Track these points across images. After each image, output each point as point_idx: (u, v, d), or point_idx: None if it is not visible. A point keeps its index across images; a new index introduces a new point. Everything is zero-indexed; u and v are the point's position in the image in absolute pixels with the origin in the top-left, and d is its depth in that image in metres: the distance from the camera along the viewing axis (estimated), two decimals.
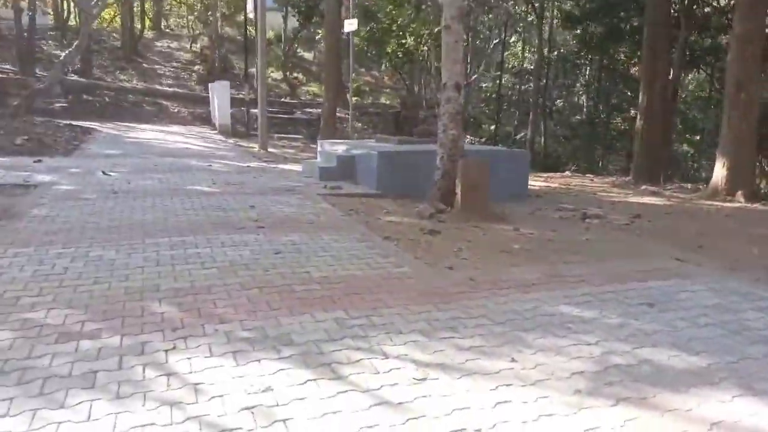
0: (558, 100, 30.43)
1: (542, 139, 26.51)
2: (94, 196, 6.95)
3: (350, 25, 14.83)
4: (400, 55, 18.93)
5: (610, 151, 26.43)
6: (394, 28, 19.10)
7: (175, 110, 21.85)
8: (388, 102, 30.55)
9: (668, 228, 7.27)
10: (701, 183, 12.41)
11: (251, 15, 30.97)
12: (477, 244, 5.66)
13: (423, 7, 18.62)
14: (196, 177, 8.81)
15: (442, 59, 7.33)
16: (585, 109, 30.27)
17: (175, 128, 18.47)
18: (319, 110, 26.10)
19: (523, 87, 28.32)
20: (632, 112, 25.20)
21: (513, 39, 30.15)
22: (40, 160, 9.71)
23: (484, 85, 30.64)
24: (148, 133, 16.18)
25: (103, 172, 8.72)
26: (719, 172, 9.87)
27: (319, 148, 10.58)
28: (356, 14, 16.37)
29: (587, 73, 27.60)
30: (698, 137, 26.90)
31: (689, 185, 11.67)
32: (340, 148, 9.72)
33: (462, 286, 4.10)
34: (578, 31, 20.63)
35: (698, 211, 8.62)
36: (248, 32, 34.70)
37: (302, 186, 8.38)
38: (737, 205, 9.22)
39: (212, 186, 8.06)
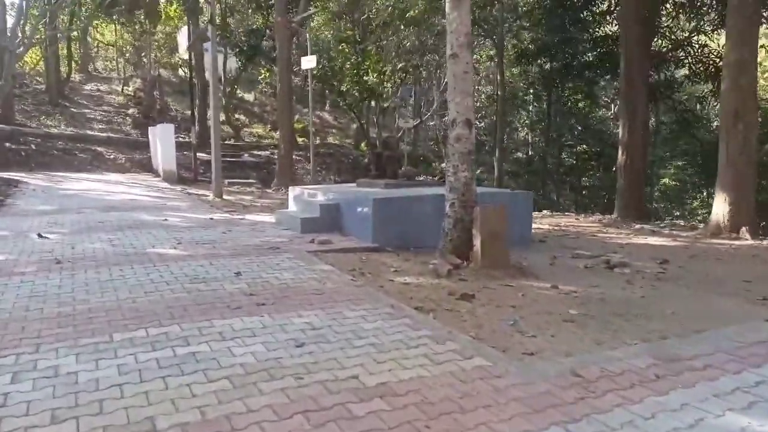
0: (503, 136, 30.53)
1: (495, 175, 26.25)
2: (31, 269, 5.50)
3: (308, 62, 13.90)
4: (356, 94, 18.08)
5: (563, 186, 26.47)
6: (348, 66, 18.29)
7: (111, 157, 20.07)
8: (337, 142, 29.71)
9: (706, 274, 6.53)
10: (690, 219, 12.02)
11: (185, 56, 29.79)
12: (526, 311, 4.66)
13: (383, 43, 17.97)
14: (155, 236, 7.43)
15: (449, 92, 6.42)
16: (530, 145, 30.51)
17: (113, 176, 16.77)
18: (267, 153, 25.07)
19: (481, 124, 28.21)
20: (582, 147, 25.50)
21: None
22: None
23: (431, 123, 30.36)
24: (84, 183, 14.46)
25: (39, 235, 7.21)
26: (720, 207, 9.39)
27: (290, 196, 9.40)
28: (315, 50, 15.47)
29: (530, 109, 27.75)
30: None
31: (681, 222, 11.18)
32: (318, 195, 8.59)
33: (572, 387, 3.04)
34: (531, 67, 20.53)
35: (718, 252, 7.99)
36: (184, 73, 33.39)
37: (285, 242, 7.17)
38: (748, 242, 8.70)
39: (178, 247, 6.72)
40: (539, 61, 19.48)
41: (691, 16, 14.47)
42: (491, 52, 21.64)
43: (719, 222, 9.35)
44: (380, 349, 3.55)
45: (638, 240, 9.02)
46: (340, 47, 18.24)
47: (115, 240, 7.08)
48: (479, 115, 30.36)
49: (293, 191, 9.36)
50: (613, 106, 27.81)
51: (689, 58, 15.47)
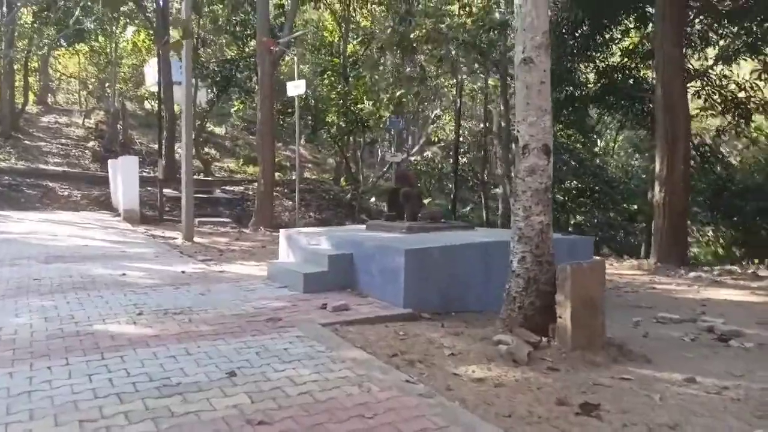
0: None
1: (484, 213, 24.76)
2: None
3: (296, 88, 12.24)
4: (343, 125, 16.46)
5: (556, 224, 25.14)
6: (334, 96, 16.71)
7: (65, 193, 17.89)
8: (315, 177, 27.98)
9: None
10: (738, 263, 10.57)
11: (153, 89, 28.02)
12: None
13: (380, 68, 16.49)
14: (108, 302, 5.49)
15: (518, 109, 4.77)
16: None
17: (65, 216, 14.60)
18: (241, 188, 23.12)
19: (464, 159, 26.83)
20: (574, 183, 24.21)
21: (437, 112, 28.83)
22: None
23: (412, 158, 28.96)
24: (27, 224, 12.32)
25: None
26: None
27: (282, 242, 7.57)
28: (304, 75, 13.85)
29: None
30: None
31: (729, 266, 9.69)
32: (322, 242, 6.79)
33: None
34: None
35: None
36: (151, 106, 31.48)
37: (288, 308, 5.31)
38: None
39: (139, 321, 4.80)
40: None
41: (721, 36, 13.37)
42: (490, 82, 20.32)
43: None
44: None
45: (711, 294, 7.42)
46: (326, 75, 16.65)
47: (50, 310, 5.12)
48: (461, 149, 29.15)
49: (286, 236, 7.53)
50: (604, 139, 26.87)
51: (705, 88, 14.37)
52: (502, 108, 17.43)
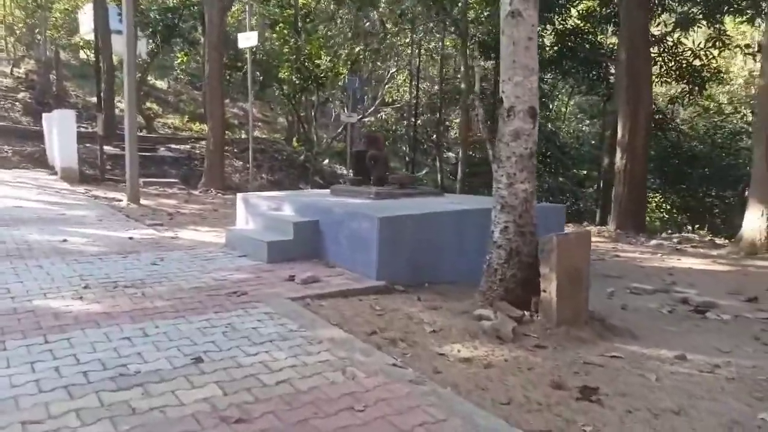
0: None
1: (439, 177, 24.62)
2: None
3: (248, 39, 11.49)
4: (297, 82, 15.72)
5: None
6: (287, 50, 15.91)
7: None
8: (265, 137, 27.02)
9: None
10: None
11: (89, 37, 26.18)
12: (696, 417, 2.80)
13: (338, 22, 15.71)
14: (48, 272, 4.94)
15: (503, 68, 4.43)
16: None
17: None
18: (188, 147, 22.00)
19: (419, 122, 26.39)
20: None
21: (392, 71, 28.20)
22: None
23: (366, 119, 28.38)
24: None
25: None
26: (755, 223, 8.04)
27: (240, 206, 7.09)
28: (256, 26, 13.03)
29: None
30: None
31: (690, 236, 9.83)
32: (285, 207, 6.37)
33: None
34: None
35: None
36: (87, 55, 29.43)
37: (252, 280, 4.91)
38: None
39: (85, 296, 4.31)
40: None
41: (679, 3, 13.29)
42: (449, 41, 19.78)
43: (754, 239, 8.01)
44: None
45: (675, 263, 7.46)
46: (277, 28, 15.79)
47: None
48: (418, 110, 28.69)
49: (243, 200, 7.05)
50: (555, 105, 27.00)
51: (661, 54, 14.41)
52: (462, 68, 17.00)
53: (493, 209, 4.54)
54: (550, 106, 26.30)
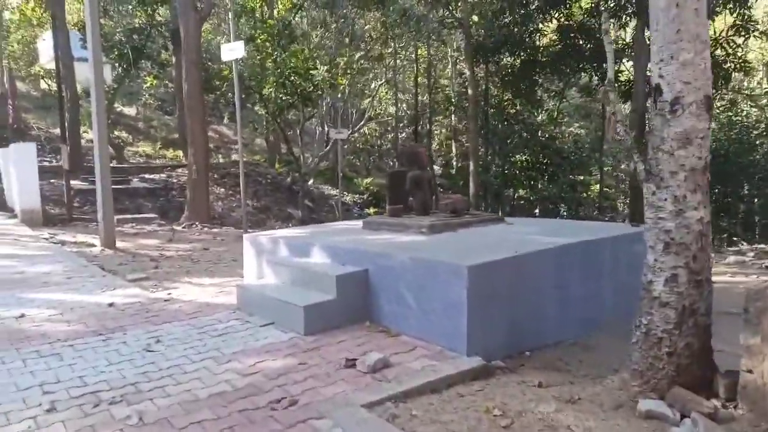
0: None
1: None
2: None
3: (232, 51, 9.99)
4: (284, 98, 14.23)
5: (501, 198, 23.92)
6: (270, 65, 14.44)
7: None
8: (245, 159, 25.37)
9: None
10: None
11: (49, 66, 24.40)
12: None
13: (332, 27, 14.26)
14: None
15: (658, 45, 3.03)
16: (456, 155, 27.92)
17: None
18: (163, 176, 20.29)
19: (402, 134, 25.13)
20: (524, 156, 22.88)
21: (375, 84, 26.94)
22: None
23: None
24: None
25: None
26: None
27: (250, 252, 5.58)
28: (241, 35, 11.56)
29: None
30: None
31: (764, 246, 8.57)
32: (311, 253, 4.88)
33: None
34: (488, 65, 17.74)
35: None
36: (48, 86, 27.57)
37: (294, 369, 3.39)
38: None
39: (49, 427, 2.76)
40: (496, 57, 16.70)
41: None
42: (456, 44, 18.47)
43: None
44: None
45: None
46: (259, 40, 14.32)
47: None
48: (401, 123, 27.41)
49: (253, 242, 5.54)
50: (545, 109, 25.88)
51: None
52: (468, 72, 15.64)
53: (649, 250, 3.14)
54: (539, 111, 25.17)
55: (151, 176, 19.60)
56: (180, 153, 22.01)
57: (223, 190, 18.97)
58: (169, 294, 5.48)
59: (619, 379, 3.28)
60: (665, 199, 3.04)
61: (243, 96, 16.14)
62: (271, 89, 14.21)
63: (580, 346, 4.09)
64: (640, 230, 5.09)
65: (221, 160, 24.28)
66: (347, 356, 3.54)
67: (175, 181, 18.91)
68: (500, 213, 22.87)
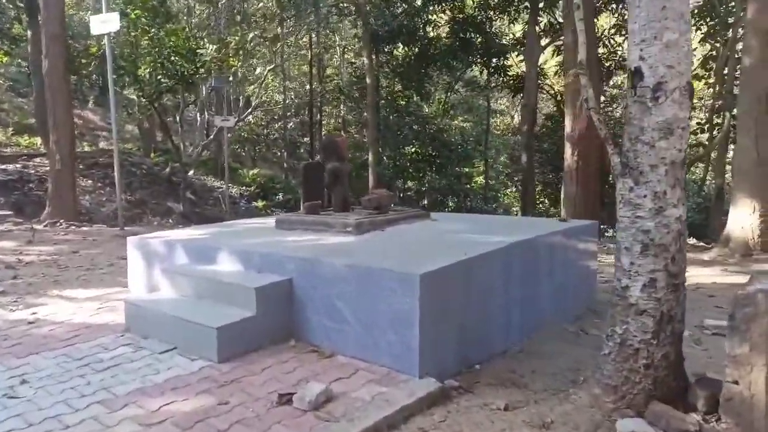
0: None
1: None
2: None
3: (104, 24, 8.74)
4: (163, 81, 12.88)
5: (393, 189, 23.83)
6: (146, 43, 13.04)
7: None
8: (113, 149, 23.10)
9: None
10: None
11: None
12: None
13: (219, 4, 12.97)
14: None
15: (639, 24, 2.70)
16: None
17: None
18: (18, 166, 17.80)
19: (291, 124, 24.13)
20: (414, 148, 22.89)
21: (260, 70, 25.72)
22: None
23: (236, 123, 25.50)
24: None
25: None
26: (746, 220, 7.19)
27: (136, 259, 4.71)
28: (115, 7, 10.16)
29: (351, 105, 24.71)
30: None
31: None
32: (217, 258, 4.14)
33: None
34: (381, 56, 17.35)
35: None
36: None
37: (214, 411, 2.70)
38: None
39: None
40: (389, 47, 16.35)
41: None
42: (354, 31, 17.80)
43: (746, 239, 7.17)
44: None
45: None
46: (133, 15, 12.83)
47: None
48: (288, 113, 26.45)
49: (139, 247, 4.67)
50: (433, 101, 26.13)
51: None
52: (366, 61, 15.13)
53: (623, 252, 2.82)
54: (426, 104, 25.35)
55: (3, 166, 17.14)
56: (38, 140, 19.53)
57: (90, 182, 17.05)
58: (35, 314, 4.45)
59: (588, 395, 2.96)
60: (644, 196, 2.73)
61: (114, 77, 14.52)
62: (147, 70, 12.80)
63: (526, 354, 3.76)
64: (572, 226, 4.92)
65: (87, 149, 21.92)
66: (278, 389, 2.91)
67: (32, 172, 16.66)
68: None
